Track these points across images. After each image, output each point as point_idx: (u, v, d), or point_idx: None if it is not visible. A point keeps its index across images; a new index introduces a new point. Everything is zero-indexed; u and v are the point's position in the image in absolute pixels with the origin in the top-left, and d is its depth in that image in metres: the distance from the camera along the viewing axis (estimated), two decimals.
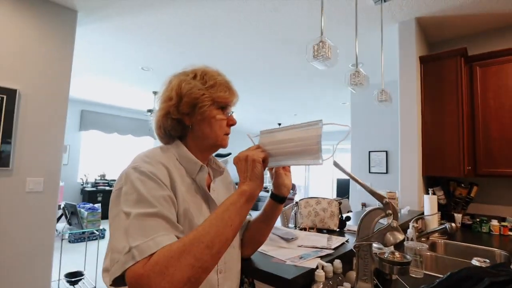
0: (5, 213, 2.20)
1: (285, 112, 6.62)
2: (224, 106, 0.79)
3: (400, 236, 0.91)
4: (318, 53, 1.29)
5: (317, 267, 0.87)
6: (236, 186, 0.98)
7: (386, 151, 3.76)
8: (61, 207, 3.08)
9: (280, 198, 0.86)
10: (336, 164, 1.01)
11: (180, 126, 0.78)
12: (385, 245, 0.94)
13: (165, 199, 0.62)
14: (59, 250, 2.78)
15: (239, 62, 3.64)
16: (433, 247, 1.92)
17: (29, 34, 2.36)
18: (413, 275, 1.26)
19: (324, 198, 1.48)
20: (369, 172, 3.88)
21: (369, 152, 3.90)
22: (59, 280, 2.84)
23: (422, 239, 1.89)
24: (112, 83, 4.86)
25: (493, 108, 2.20)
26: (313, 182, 9.60)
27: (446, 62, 2.29)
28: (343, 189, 6.18)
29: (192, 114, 0.76)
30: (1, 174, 2.22)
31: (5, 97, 2.24)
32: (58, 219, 2.73)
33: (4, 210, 2.20)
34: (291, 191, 9.56)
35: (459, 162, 2.21)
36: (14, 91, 2.27)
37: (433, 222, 2.09)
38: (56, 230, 2.58)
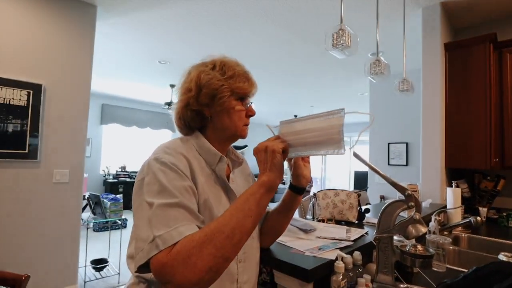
0: (34, 202, 2.32)
1: (301, 104, 6.55)
2: (243, 97, 0.79)
3: (423, 229, 0.89)
4: (337, 42, 1.26)
5: (336, 259, 0.86)
6: (255, 178, 0.98)
7: (407, 143, 3.65)
8: (86, 197, 3.21)
9: (299, 189, 0.86)
10: (356, 155, 0.99)
11: (199, 117, 0.78)
12: (407, 238, 0.92)
13: (186, 190, 0.63)
14: (84, 238, 2.91)
15: (255, 54, 3.62)
16: (456, 241, 1.87)
17: (51, 30, 2.44)
18: (436, 269, 1.23)
19: (342, 190, 1.47)
20: (388, 164, 3.79)
21: (389, 144, 3.81)
22: (85, 266, 2.98)
23: (445, 232, 1.83)
24: (130, 77, 4.95)
25: None
26: (330, 174, 9.50)
27: (473, 49, 2.18)
28: (361, 181, 6.08)
29: (211, 105, 0.76)
30: (30, 166, 2.34)
31: (31, 92, 2.34)
32: (83, 209, 2.84)
33: (33, 199, 2.32)
34: (308, 183, 9.52)
35: (485, 154, 2.12)
36: (39, 86, 2.37)
37: (456, 215, 2.03)
38: (82, 219, 2.69)
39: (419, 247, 0.92)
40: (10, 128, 2.26)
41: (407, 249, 0.92)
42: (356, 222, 1.41)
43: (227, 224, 0.57)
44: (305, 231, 1.15)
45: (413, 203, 0.90)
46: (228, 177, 0.81)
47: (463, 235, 1.89)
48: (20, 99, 2.30)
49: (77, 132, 2.56)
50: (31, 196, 2.31)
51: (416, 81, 2.35)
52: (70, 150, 2.51)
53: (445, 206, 2.06)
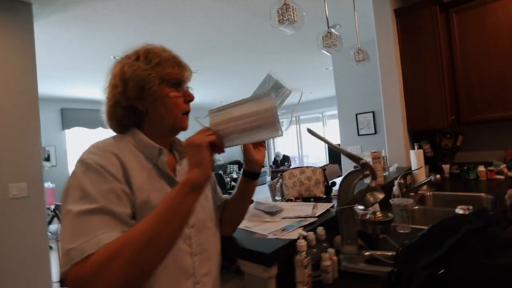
0: None
1: None
2: (176, 83, 0.73)
3: (380, 195, 0.90)
4: (283, 17, 1.21)
5: (298, 238, 0.86)
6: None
7: (373, 112, 3.73)
8: (52, 209, 3.04)
9: (251, 173, 0.83)
10: (310, 131, 0.98)
11: (132, 113, 0.72)
12: (366, 206, 0.93)
13: (113, 192, 0.59)
14: (56, 252, 2.78)
15: (212, 39, 3.49)
16: (422, 200, 1.95)
17: None
18: (401, 231, 1.27)
19: (308, 167, 1.47)
20: (358, 134, 3.87)
21: (356, 114, 3.88)
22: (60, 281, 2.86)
23: (411, 194, 1.91)
24: (86, 77, 4.67)
25: (472, 54, 2.15)
26: (306, 151, 9.67)
27: (421, 13, 2.21)
28: (335, 154, 6.21)
29: (142, 98, 0.70)
30: None
31: None
32: (49, 222, 2.69)
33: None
34: (286, 163, 9.65)
35: (442, 113, 2.20)
36: None
37: (421, 176, 2.11)
38: (50, 233, 2.56)
39: (378, 213, 0.94)
40: None
41: (367, 218, 0.93)
42: (324, 196, 1.43)
43: (145, 231, 0.53)
44: (271, 213, 1.14)
45: (368, 172, 0.91)
46: (174, 170, 0.77)
47: (428, 193, 1.98)
48: None
49: (30, 141, 2.38)
50: None
51: (374, 51, 2.37)
52: (25, 161, 2.34)
53: (410, 168, 2.14)
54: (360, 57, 1.93)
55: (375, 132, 3.73)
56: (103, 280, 0.48)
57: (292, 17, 1.22)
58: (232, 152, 9.85)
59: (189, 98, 0.76)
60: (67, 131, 6.22)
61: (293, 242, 0.85)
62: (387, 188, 1.58)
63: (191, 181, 0.60)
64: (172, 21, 2.96)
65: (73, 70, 4.23)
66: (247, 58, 4.39)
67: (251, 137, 0.66)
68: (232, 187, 7.55)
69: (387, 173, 2.07)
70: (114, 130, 0.75)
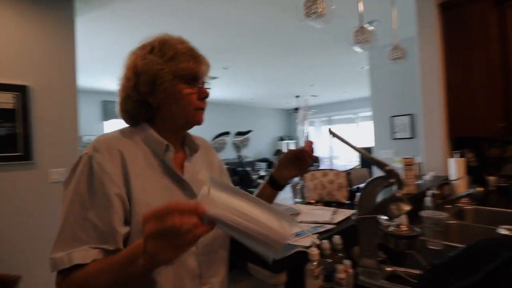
0: (32, 203, 2.32)
1: (301, 83, 6.38)
2: (191, 78, 0.69)
3: (406, 207, 0.81)
4: (309, 10, 1.15)
5: (310, 246, 0.80)
6: (223, 166, 0.91)
7: (411, 115, 3.50)
8: None
9: (278, 185, 0.82)
10: (331, 132, 0.91)
11: (143, 108, 0.70)
12: (389, 218, 0.84)
13: (105, 199, 0.59)
14: None
15: (241, 36, 3.47)
16: (460, 214, 1.77)
17: (30, 30, 2.36)
18: (432, 247, 1.15)
19: (331, 169, 1.38)
20: (393, 138, 3.65)
21: (392, 117, 3.66)
22: None
23: (447, 206, 1.74)
24: None
25: None
26: (337, 152, 9.37)
27: (471, 7, 2.00)
28: (367, 162, 5.92)
29: (154, 93, 0.68)
30: (25, 167, 2.33)
31: (19, 94, 2.30)
32: None
33: (31, 200, 2.32)
34: (315, 163, 9.42)
35: (491, 120, 1.98)
36: (26, 87, 2.32)
37: (461, 187, 1.92)
38: None
39: (403, 226, 0.85)
40: (2, 132, 2.24)
41: (390, 230, 0.85)
42: (347, 202, 1.34)
43: (100, 279, 0.53)
44: None
45: (393, 180, 0.82)
46: (183, 167, 0.74)
47: (468, 207, 1.79)
48: (7, 102, 2.26)
49: (69, 130, 2.53)
50: (29, 197, 2.31)
51: (415, 48, 2.20)
52: (64, 149, 2.49)
53: (448, 178, 1.96)
54: (397, 55, 1.79)
55: (412, 137, 3.49)
56: None
57: (320, 10, 1.14)
58: (262, 150, 9.85)
59: (203, 95, 0.72)
60: (105, 122, 6.59)
61: (305, 249, 0.79)
62: (419, 198, 1.45)
63: (151, 264, 0.47)
64: (203, 16, 2.98)
65: (112, 64, 4.45)
66: (277, 55, 4.32)
67: (244, 240, 0.51)
68: (258, 185, 7.52)
69: (421, 181, 1.91)
70: (126, 122, 0.74)
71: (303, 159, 0.80)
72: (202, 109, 0.73)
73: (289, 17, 2.99)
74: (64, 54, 2.52)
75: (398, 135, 3.62)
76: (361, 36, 1.45)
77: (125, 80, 0.69)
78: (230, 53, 4.15)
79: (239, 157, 9.09)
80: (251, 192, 0.87)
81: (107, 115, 6.54)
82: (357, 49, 1.53)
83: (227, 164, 8.05)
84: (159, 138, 0.69)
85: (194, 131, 0.88)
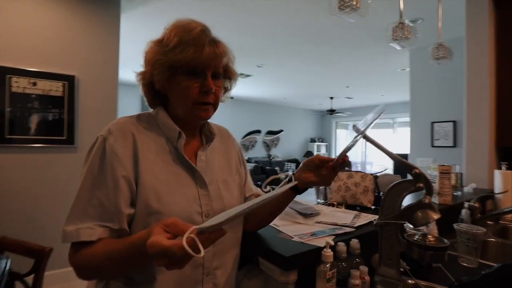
0: (73, 183, 2.50)
1: (337, 84, 6.19)
2: (191, 70, 0.65)
3: (434, 215, 0.74)
4: (343, 3, 1.09)
5: (324, 246, 0.76)
6: (242, 157, 0.90)
7: (454, 122, 3.24)
8: None
9: (300, 191, 0.80)
10: (356, 128, 0.85)
11: (155, 94, 0.72)
12: (414, 225, 0.78)
13: (113, 180, 0.61)
14: None
15: (278, 34, 3.44)
16: (504, 232, 1.60)
17: (80, 26, 2.54)
18: (465, 264, 1.05)
19: (357, 172, 1.32)
20: (432, 146, 3.41)
21: (432, 123, 3.42)
22: None
23: (489, 222, 1.58)
24: None
25: None
26: (370, 157, 9.00)
27: None
28: (401, 167, 5.55)
29: (159, 82, 0.68)
30: (68, 151, 2.51)
31: (66, 83, 2.48)
32: None
33: (72, 181, 2.49)
34: (346, 167, 9.12)
35: None
36: (73, 77, 2.50)
37: (507, 202, 1.74)
38: None
39: (430, 237, 0.77)
40: (50, 117, 2.43)
41: (414, 239, 0.78)
42: (372, 207, 1.26)
43: (102, 263, 0.58)
44: (305, 215, 1.04)
45: (421, 184, 0.75)
46: (196, 155, 0.74)
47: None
48: (57, 90, 2.45)
49: (109, 120, 2.66)
50: (70, 178, 2.49)
51: (461, 50, 2.03)
52: None
53: (492, 191, 1.78)
54: (440, 54, 1.65)
55: (454, 145, 3.24)
56: (82, 273, 0.61)
57: (355, 3, 1.09)
58: (292, 150, 9.75)
59: (205, 88, 0.66)
60: None
61: (318, 250, 0.76)
62: (454, 209, 1.33)
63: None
64: (240, 14, 3.00)
65: None
66: (313, 54, 4.23)
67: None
68: None
69: (460, 193, 1.76)
70: (149, 106, 0.76)
71: (328, 169, 0.77)
72: (204, 103, 0.68)
73: (326, 14, 2.91)
74: (108, 48, 2.68)
75: (438, 143, 3.38)
76: (400, 32, 1.36)
77: (142, 68, 0.72)
78: (264, 51, 4.14)
79: (269, 156, 9.08)
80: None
81: (144, 109, 6.83)
82: (395, 46, 1.44)
83: (255, 162, 8.12)
84: (172, 125, 0.69)
85: (224, 125, 0.90)
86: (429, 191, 0.75)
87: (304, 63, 4.68)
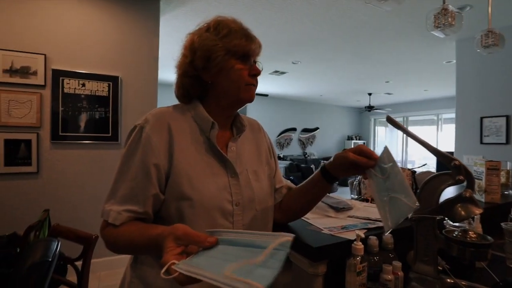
0: None
1: (376, 79, 5.93)
2: (243, 55, 0.72)
3: (476, 210, 0.69)
4: None
5: (355, 239, 0.74)
6: (273, 149, 0.90)
7: (507, 116, 2.95)
8: None
9: (331, 176, 0.76)
10: (389, 120, 0.82)
11: (198, 84, 0.75)
12: (454, 220, 0.73)
13: (144, 167, 0.66)
14: None
15: (314, 28, 3.38)
16: None
17: (123, 30, 2.71)
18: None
19: None
20: (481, 142, 3.14)
21: (481, 118, 3.14)
22: None
23: None
24: None
25: None
26: (412, 156, 8.51)
27: None
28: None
29: (208, 68, 0.72)
30: (112, 147, 2.71)
31: (111, 83, 2.67)
32: None
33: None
34: None
35: None
36: (117, 78, 2.68)
37: None
38: None
39: (472, 233, 0.72)
40: (97, 115, 2.63)
41: (454, 235, 0.73)
42: None
43: (124, 247, 0.66)
44: (336, 209, 1.02)
45: (462, 177, 0.70)
46: (227, 145, 0.77)
47: None
48: (102, 90, 2.65)
49: None
50: (114, 172, 2.68)
51: None
52: None
53: None
54: (490, 41, 1.52)
55: (507, 142, 2.95)
56: (108, 246, 0.67)
57: None
58: (328, 148, 9.55)
59: (254, 71, 0.74)
60: None
61: (348, 243, 0.74)
62: (503, 209, 1.22)
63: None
64: (276, 10, 2.99)
65: None
66: (352, 48, 4.09)
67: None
68: None
69: (511, 191, 1.60)
70: (179, 99, 0.79)
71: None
72: (253, 85, 0.74)
73: (363, 5, 2.80)
74: (149, 49, 2.83)
75: (488, 140, 3.10)
76: (443, 18, 1.27)
77: (183, 58, 0.75)
78: (300, 47, 4.09)
79: (304, 154, 8.98)
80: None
81: None
82: (438, 34, 1.35)
83: (291, 160, 8.07)
84: (206, 116, 0.73)
85: (262, 123, 0.92)
86: (471, 185, 0.70)
87: (341, 58, 4.55)
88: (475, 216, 0.92)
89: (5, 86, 2.27)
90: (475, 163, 1.37)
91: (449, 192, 0.81)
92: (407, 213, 0.60)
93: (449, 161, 0.71)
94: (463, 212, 0.70)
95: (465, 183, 0.70)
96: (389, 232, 0.62)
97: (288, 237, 0.47)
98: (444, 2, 1.33)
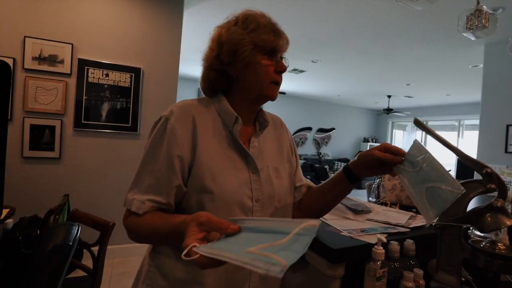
0: (136, 166, 2.75)
1: (396, 82, 5.79)
2: (270, 50, 0.71)
3: (507, 221, 0.66)
4: None
5: (376, 244, 0.72)
6: (294, 146, 0.89)
7: None
8: None
9: (354, 176, 0.74)
10: (417, 123, 0.80)
11: (223, 78, 0.74)
12: (482, 231, 0.71)
13: (168, 158, 0.66)
14: None
15: (336, 28, 3.32)
16: None
17: (146, 23, 2.75)
18: None
19: None
20: (506, 151, 3.01)
21: (508, 126, 3.01)
22: None
23: None
24: None
25: None
26: None
27: None
28: (465, 170, 4.86)
29: (234, 63, 0.71)
30: (132, 137, 2.76)
31: (133, 75, 2.72)
32: None
33: (135, 164, 2.74)
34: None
35: None
36: (139, 69, 2.73)
37: None
38: None
39: (501, 245, 0.69)
40: (118, 106, 2.69)
41: (481, 246, 0.70)
42: None
43: (148, 235, 0.66)
44: (355, 211, 1.01)
45: (493, 185, 0.67)
46: (250, 140, 0.76)
47: None
48: (125, 81, 2.70)
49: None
50: (132, 162, 2.73)
51: None
52: None
53: None
54: None
55: None
56: (131, 235, 0.68)
57: None
58: (343, 149, 9.43)
59: (280, 68, 0.73)
60: None
61: (368, 246, 0.73)
62: None
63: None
64: (298, 7, 2.96)
65: None
66: (374, 49, 3.99)
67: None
68: None
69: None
70: (205, 92, 0.79)
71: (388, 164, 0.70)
72: (277, 83, 0.73)
73: (388, 3, 2.73)
74: (171, 42, 2.86)
75: None
76: (476, 20, 1.22)
77: (209, 51, 0.74)
78: (321, 45, 4.03)
79: (319, 154, 8.90)
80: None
81: None
82: (469, 36, 1.30)
83: (305, 159, 8.01)
84: (230, 110, 0.72)
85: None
86: (503, 194, 0.67)
87: (362, 58, 4.46)
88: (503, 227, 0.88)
89: (34, 73, 2.35)
90: (502, 172, 1.32)
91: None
92: (451, 200, 0.59)
93: (480, 168, 0.69)
94: (492, 223, 0.67)
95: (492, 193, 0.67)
96: (433, 222, 0.61)
97: (314, 223, 0.46)
98: (478, 3, 1.28)
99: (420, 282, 0.72)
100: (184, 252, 0.46)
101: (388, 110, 7.53)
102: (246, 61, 0.70)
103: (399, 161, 0.68)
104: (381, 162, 0.69)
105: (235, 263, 0.41)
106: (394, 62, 4.48)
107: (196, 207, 0.67)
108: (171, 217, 0.61)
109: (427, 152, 0.65)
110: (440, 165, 0.62)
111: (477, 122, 3.50)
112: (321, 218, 0.94)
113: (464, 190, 0.58)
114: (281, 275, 0.37)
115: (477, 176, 0.71)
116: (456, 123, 7.61)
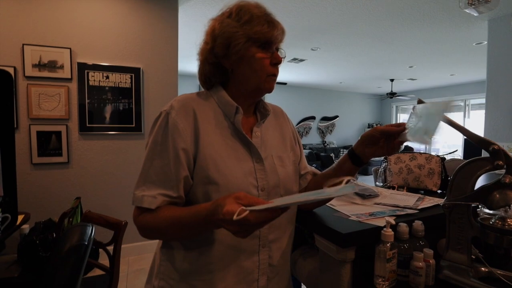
0: (140, 166, 2.78)
1: (398, 65, 5.70)
2: (264, 42, 0.70)
3: None
4: None
5: (384, 226, 0.73)
6: (297, 135, 0.90)
7: None
8: None
9: (359, 160, 0.75)
10: (421, 102, 0.79)
11: (219, 71, 0.74)
12: (490, 208, 0.70)
13: (174, 151, 0.66)
14: None
15: (334, 12, 3.27)
16: None
17: (143, 22, 2.74)
18: None
19: (421, 153, 1.22)
20: None
21: None
22: None
23: None
24: None
25: None
26: (434, 143, 8.21)
27: None
28: (473, 149, 4.81)
29: (228, 56, 0.71)
30: (136, 137, 2.78)
31: (133, 75, 2.73)
32: None
33: (140, 164, 2.77)
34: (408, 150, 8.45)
35: None
36: (139, 69, 2.73)
37: None
38: None
39: (510, 220, 0.69)
40: (121, 107, 2.70)
41: (490, 223, 0.71)
42: (438, 191, 1.17)
43: (166, 229, 0.65)
44: (363, 196, 1.01)
45: (501, 162, 0.67)
46: (252, 130, 0.77)
47: None
48: (125, 82, 2.71)
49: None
50: (138, 161, 2.75)
51: None
52: None
53: None
54: None
55: None
56: (144, 232, 0.68)
57: None
58: (348, 136, 9.39)
59: (276, 60, 0.72)
60: None
61: (377, 229, 0.73)
62: None
63: (215, 225, 0.58)
64: None
65: None
66: (374, 32, 3.93)
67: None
68: None
69: None
70: (203, 86, 0.79)
71: (391, 140, 0.72)
72: (274, 75, 0.73)
73: None
74: (169, 41, 2.86)
75: None
76: None
77: (204, 44, 0.74)
78: (320, 32, 3.98)
79: (323, 142, 8.88)
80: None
81: None
82: (471, 12, 1.27)
83: (310, 148, 7.99)
84: (230, 100, 0.72)
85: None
86: (511, 170, 0.67)
87: (362, 43, 4.40)
88: None
89: (35, 80, 2.37)
90: (509, 149, 1.30)
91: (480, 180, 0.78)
92: (446, 110, 0.66)
93: (487, 145, 0.68)
94: (500, 199, 0.67)
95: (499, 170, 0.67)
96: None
97: (348, 178, 0.50)
98: None
99: (431, 261, 0.72)
100: (235, 215, 0.48)
101: (392, 94, 7.45)
102: (240, 54, 0.69)
103: (402, 130, 0.70)
104: (385, 133, 0.71)
105: (301, 199, 0.48)
106: (395, 44, 4.41)
107: (203, 199, 0.68)
108: (193, 206, 0.63)
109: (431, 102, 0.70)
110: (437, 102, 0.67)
111: (483, 101, 3.44)
112: (328, 204, 0.95)
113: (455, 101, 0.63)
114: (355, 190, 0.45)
115: (484, 155, 0.71)
116: (462, 103, 7.51)
